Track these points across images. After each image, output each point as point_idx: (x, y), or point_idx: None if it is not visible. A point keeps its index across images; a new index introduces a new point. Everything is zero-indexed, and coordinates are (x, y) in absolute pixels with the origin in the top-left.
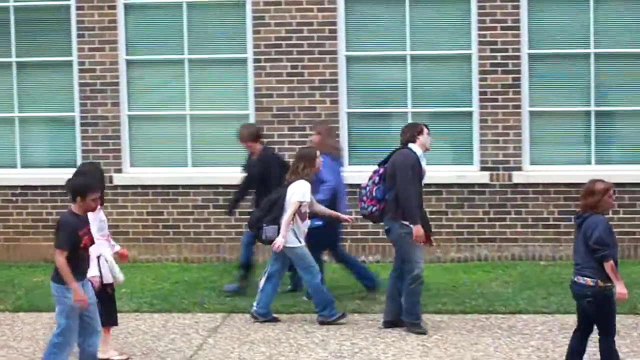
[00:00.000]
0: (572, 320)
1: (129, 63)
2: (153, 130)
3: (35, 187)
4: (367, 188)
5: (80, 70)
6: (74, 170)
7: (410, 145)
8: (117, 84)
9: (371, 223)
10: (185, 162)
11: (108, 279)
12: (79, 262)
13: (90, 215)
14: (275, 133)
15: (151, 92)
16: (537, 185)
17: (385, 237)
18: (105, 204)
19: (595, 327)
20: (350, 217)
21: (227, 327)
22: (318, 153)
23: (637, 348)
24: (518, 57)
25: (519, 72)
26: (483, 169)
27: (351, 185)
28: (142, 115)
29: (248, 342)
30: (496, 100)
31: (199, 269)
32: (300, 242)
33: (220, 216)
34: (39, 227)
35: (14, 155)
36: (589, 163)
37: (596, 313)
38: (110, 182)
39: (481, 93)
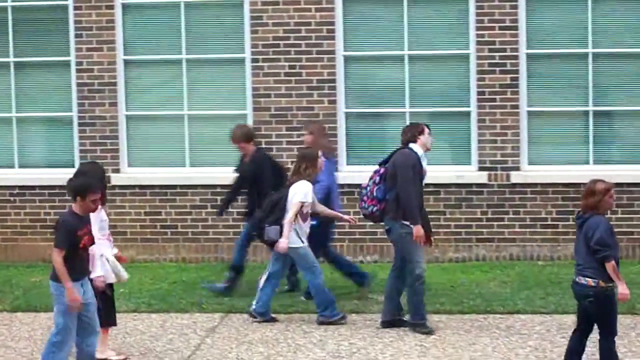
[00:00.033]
0: (570, 320)
1: (126, 63)
2: (151, 130)
3: (33, 187)
4: (368, 188)
5: (78, 70)
6: (72, 170)
7: (411, 145)
8: (114, 84)
9: (369, 223)
10: (183, 162)
11: (110, 279)
12: (77, 262)
13: (91, 214)
14: (273, 133)
15: (149, 92)
16: (535, 185)
17: (383, 237)
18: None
19: (594, 327)
20: (352, 217)
21: (225, 327)
22: (320, 153)
23: (635, 348)
24: (516, 57)
25: (517, 72)
26: (481, 169)
27: (349, 185)
28: (140, 115)
29: (246, 342)
30: (494, 100)
31: (197, 269)
32: (302, 242)
33: (224, 216)
34: (36, 227)
35: (11, 155)
36: (587, 163)
37: (597, 313)
38: (108, 182)
39: (479, 93)
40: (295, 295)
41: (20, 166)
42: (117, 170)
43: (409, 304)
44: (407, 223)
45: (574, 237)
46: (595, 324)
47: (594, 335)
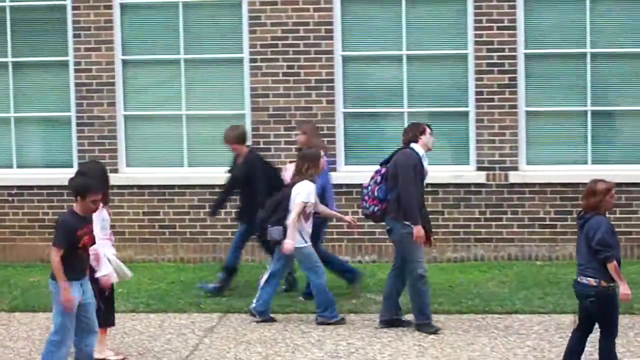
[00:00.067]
0: (568, 320)
1: (124, 63)
2: (149, 130)
3: (31, 187)
4: (369, 188)
5: (76, 70)
6: (70, 170)
7: (413, 145)
8: (113, 84)
9: (367, 223)
10: (181, 162)
11: (112, 279)
12: (76, 261)
13: (93, 214)
14: (272, 133)
15: (147, 92)
16: (533, 185)
17: (381, 237)
18: None
19: (595, 327)
20: (352, 217)
21: (223, 327)
22: (322, 153)
23: (634, 348)
24: (514, 57)
25: (515, 72)
26: (479, 168)
27: (347, 185)
28: (138, 115)
29: (244, 342)
30: (492, 100)
31: (195, 269)
32: (306, 241)
33: (216, 216)
34: (35, 227)
35: (10, 155)
36: (586, 163)
37: (599, 313)
38: None
39: (477, 93)
40: (293, 295)
41: (19, 166)
42: (115, 170)
43: (413, 305)
44: (408, 223)
45: (573, 237)
46: (597, 324)
47: (593, 336)
